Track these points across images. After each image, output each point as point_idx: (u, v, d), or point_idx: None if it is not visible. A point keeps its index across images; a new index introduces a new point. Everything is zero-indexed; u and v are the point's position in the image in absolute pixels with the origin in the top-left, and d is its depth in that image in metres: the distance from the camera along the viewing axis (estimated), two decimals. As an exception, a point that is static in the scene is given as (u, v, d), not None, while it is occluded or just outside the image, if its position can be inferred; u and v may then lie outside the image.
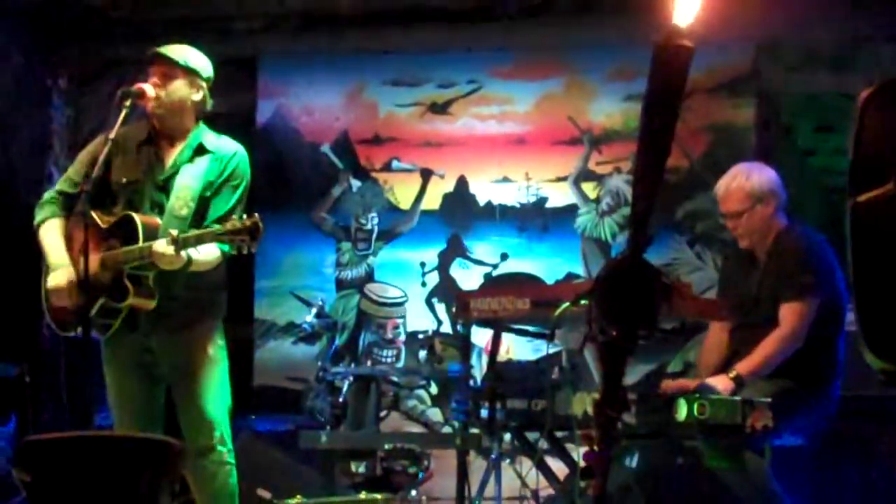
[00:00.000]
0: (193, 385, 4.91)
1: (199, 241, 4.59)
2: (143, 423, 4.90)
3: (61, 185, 5.07)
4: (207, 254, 4.75)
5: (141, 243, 4.66)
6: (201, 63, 4.97)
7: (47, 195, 5.05)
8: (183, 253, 4.59)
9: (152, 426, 4.93)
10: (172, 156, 4.93)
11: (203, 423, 4.90)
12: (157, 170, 4.91)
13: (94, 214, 4.75)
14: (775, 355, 5.07)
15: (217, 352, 4.99)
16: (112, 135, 4.68)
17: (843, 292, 5.15)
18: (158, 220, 4.78)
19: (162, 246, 4.54)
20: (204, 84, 4.96)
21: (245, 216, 4.53)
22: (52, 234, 4.93)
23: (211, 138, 4.99)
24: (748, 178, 5.32)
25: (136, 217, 4.75)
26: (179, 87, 4.89)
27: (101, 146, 4.83)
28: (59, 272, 4.80)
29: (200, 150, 4.94)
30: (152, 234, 4.69)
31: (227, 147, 5.00)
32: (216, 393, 4.95)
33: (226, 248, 4.74)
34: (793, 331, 5.09)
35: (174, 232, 4.54)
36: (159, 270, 4.71)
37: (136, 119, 4.97)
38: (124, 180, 4.88)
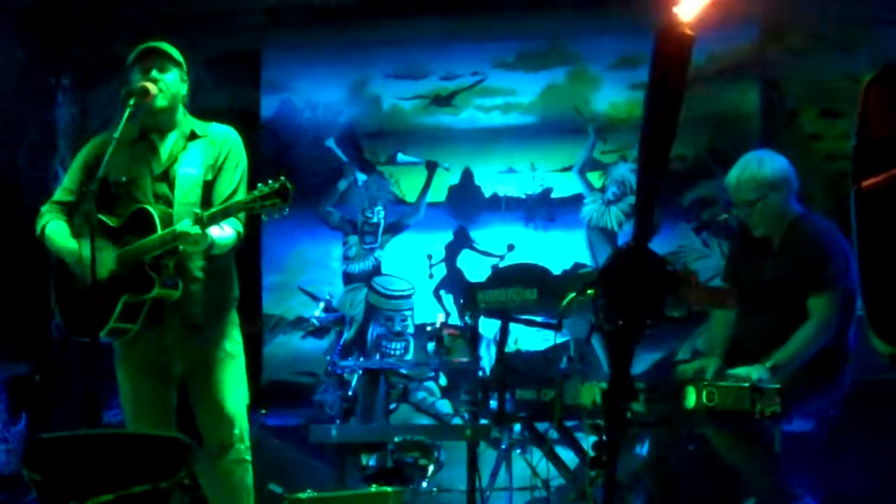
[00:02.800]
0: (212, 382, 4.90)
1: (227, 214, 4.60)
2: (156, 423, 4.89)
3: (58, 195, 5.05)
4: (227, 235, 4.76)
5: (161, 231, 4.66)
6: (181, 55, 5.01)
7: (45, 206, 5.03)
8: (206, 233, 4.59)
9: (164, 426, 4.92)
10: (167, 146, 4.95)
11: (222, 421, 4.90)
12: (154, 163, 4.91)
13: (101, 217, 4.75)
14: (811, 346, 5.05)
15: (234, 348, 4.99)
16: (117, 134, 4.68)
17: (854, 279, 5.14)
18: (169, 211, 4.78)
19: (188, 226, 4.53)
20: (187, 76, 5.00)
21: (270, 181, 4.53)
22: (59, 234, 4.91)
23: (200, 125, 5.01)
24: (760, 166, 5.28)
25: (150, 208, 4.76)
26: (175, 81, 4.92)
27: (94, 152, 4.87)
28: (80, 268, 4.77)
29: (193, 136, 4.95)
30: (167, 223, 4.69)
31: (218, 130, 5.02)
32: (234, 390, 4.94)
33: (240, 228, 4.78)
34: (826, 321, 5.07)
35: (197, 211, 4.55)
36: (176, 261, 4.72)
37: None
38: (124, 178, 4.88)
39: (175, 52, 4.93)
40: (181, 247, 4.65)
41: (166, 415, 4.99)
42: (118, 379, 4.99)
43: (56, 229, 4.92)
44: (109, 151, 4.63)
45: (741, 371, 4.89)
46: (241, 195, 4.81)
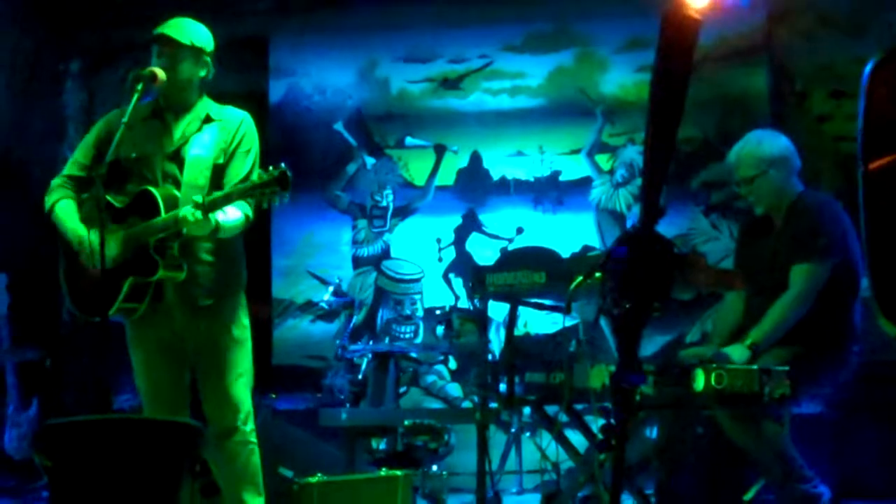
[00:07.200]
0: (218, 366, 4.91)
1: (228, 200, 4.57)
2: (171, 405, 4.91)
3: (69, 168, 5.05)
4: (233, 218, 4.75)
5: (164, 215, 4.66)
6: (204, 38, 4.97)
7: (55, 180, 5.03)
8: (210, 217, 4.59)
9: (180, 407, 4.93)
10: (180, 127, 4.94)
11: (228, 405, 4.90)
12: (166, 142, 4.91)
13: (107, 197, 4.75)
14: (786, 319, 5.05)
15: (241, 332, 4.99)
16: (125, 118, 4.66)
17: (858, 256, 5.14)
18: (175, 192, 4.78)
19: (189, 211, 4.52)
20: (208, 59, 4.97)
21: (271, 167, 4.50)
22: (67, 214, 4.91)
23: (215, 108, 5.00)
24: (759, 143, 5.34)
25: (154, 190, 4.75)
26: (187, 67, 4.89)
27: (107, 128, 4.86)
28: (85, 248, 4.77)
29: (207, 119, 4.94)
30: (172, 205, 4.69)
31: (233, 115, 5.00)
32: (241, 374, 4.95)
33: (249, 211, 4.75)
34: (801, 293, 5.07)
35: (198, 199, 4.53)
36: (181, 243, 4.72)
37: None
38: (134, 155, 4.87)
39: (184, 36, 4.88)
40: (184, 230, 4.65)
41: (181, 396, 4.99)
42: (132, 362, 5.00)
43: (64, 209, 4.92)
44: (118, 136, 4.62)
45: (721, 352, 4.91)
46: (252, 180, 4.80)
